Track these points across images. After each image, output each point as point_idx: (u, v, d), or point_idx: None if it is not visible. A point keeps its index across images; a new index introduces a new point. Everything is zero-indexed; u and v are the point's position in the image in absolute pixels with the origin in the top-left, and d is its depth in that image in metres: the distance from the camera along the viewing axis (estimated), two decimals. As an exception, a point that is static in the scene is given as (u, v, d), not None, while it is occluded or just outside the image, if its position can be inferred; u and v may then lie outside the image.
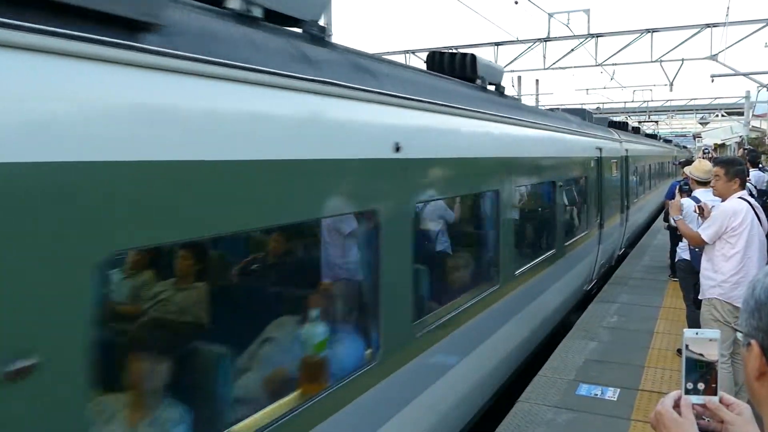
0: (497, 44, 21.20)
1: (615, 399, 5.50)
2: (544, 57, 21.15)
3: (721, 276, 4.83)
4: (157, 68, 1.98)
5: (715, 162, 5.41)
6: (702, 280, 5.03)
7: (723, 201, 5.03)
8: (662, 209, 19.25)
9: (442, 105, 4.05)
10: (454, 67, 5.53)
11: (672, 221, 6.39)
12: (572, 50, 21.05)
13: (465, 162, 4.42)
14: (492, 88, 6.03)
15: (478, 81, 5.69)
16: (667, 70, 23.87)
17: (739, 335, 1.25)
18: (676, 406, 1.38)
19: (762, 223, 4.92)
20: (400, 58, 21.05)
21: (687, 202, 6.11)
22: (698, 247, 5.28)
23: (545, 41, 20.54)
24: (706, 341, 1.43)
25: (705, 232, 4.90)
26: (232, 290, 2.84)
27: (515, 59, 21.67)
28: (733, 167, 5.03)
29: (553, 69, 21.71)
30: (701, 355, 1.42)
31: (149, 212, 1.96)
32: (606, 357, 6.58)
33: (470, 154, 4.50)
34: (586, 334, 7.35)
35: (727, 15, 18.12)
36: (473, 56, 5.65)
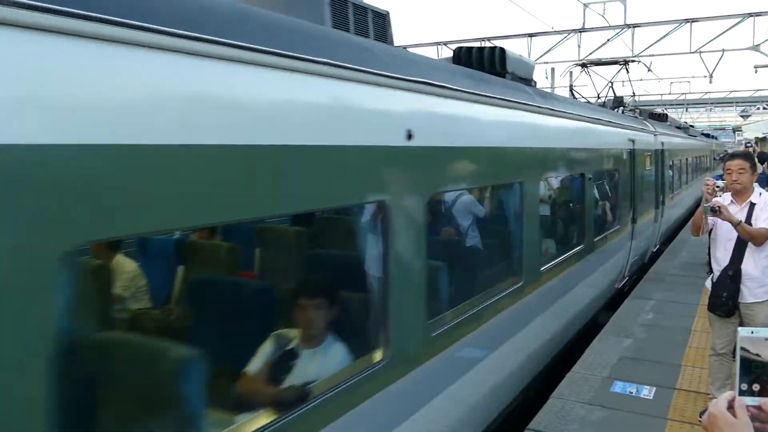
0: (531, 35, 20.93)
1: (651, 398, 5.39)
2: (579, 48, 20.79)
3: None
4: None
5: (737, 155, 5.04)
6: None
7: (741, 195, 4.82)
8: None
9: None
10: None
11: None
12: (608, 41, 20.66)
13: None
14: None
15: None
16: (707, 62, 23.23)
17: None
18: (730, 407, 1.33)
19: None
20: (431, 50, 20.93)
21: (727, 198, 5.90)
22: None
23: (580, 32, 20.19)
24: (762, 341, 1.37)
25: None
26: None
27: (549, 50, 21.37)
28: (753, 159, 4.91)
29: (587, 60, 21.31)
30: (757, 355, 1.36)
31: None
32: (641, 355, 6.45)
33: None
34: (620, 331, 7.21)
35: (772, 4, 17.51)
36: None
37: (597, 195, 7.77)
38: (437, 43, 21.52)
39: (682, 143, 16.37)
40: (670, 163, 13.63)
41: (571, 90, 13.54)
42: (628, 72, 14.13)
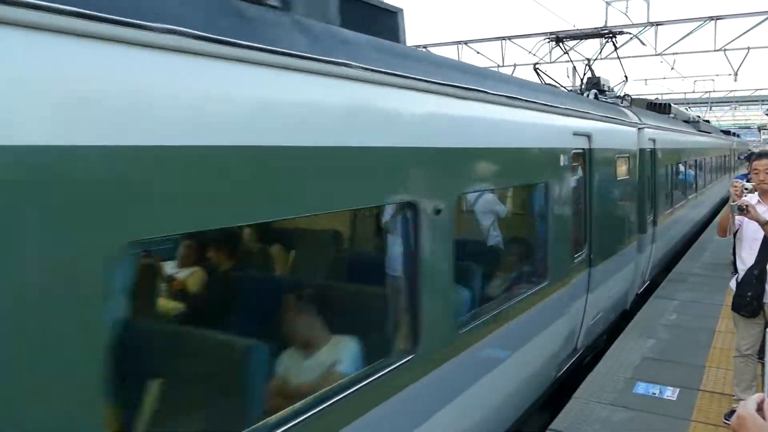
0: (553, 34, 20.75)
1: (674, 399, 5.35)
2: (601, 46, 20.57)
3: None
4: None
5: (765, 155, 4.98)
6: None
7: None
8: None
9: None
10: None
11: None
12: (631, 39, 20.42)
13: None
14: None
15: None
16: (732, 59, 22.86)
17: None
18: (759, 409, 1.34)
19: None
20: (451, 50, 20.86)
21: (754, 199, 5.83)
22: None
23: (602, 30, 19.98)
24: None
25: None
26: None
27: (571, 49, 21.18)
28: None
29: (610, 59, 21.11)
30: None
31: None
32: (665, 355, 6.40)
33: None
34: (643, 332, 7.16)
35: (799, 0, 17.19)
36: None
37: (474, 238, 4.50)
38: (457, 43, 21.43)
39: (686, 141, 12.72)
40: (667, 166, 10.49)
41: (535, 69, 9.83)
42: (616, 48, 10.79)
